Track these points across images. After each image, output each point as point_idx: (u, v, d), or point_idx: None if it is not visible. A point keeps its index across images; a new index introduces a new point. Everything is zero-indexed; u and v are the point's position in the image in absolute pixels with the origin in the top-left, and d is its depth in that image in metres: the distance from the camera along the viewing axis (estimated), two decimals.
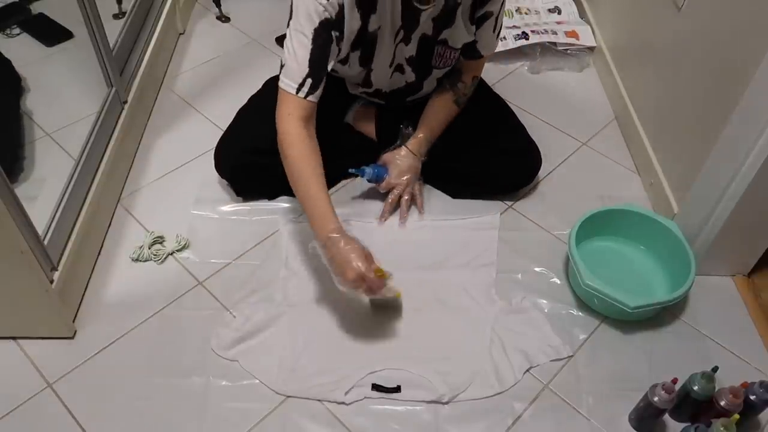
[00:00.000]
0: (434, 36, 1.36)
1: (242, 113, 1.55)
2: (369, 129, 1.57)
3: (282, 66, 1.25)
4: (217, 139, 1.50)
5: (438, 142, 1.51)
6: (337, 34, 1.25)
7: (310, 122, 1.28)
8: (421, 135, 1.47)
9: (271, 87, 1.43)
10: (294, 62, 1.23)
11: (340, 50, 1.29)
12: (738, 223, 1.28)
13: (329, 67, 1.27)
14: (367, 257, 1.17)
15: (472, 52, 1.44)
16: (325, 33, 1.22)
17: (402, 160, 1.46)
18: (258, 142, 1.44)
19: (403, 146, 1.47)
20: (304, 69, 1.23)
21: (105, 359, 1.23)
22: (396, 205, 1.49)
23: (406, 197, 1.48)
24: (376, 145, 1.55)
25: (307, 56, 1.22)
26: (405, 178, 1.47)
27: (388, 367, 1.21)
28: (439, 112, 1.49)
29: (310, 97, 1.25)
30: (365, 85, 1.47)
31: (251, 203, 1.51)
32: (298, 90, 1.23)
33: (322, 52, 1.23)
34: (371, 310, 1.31)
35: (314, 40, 1.21)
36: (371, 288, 1.16)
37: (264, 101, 1.55)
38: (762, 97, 1.15)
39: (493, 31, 1.40)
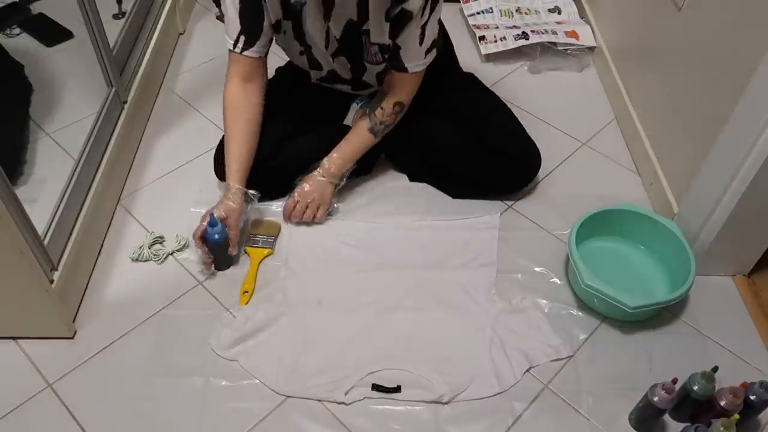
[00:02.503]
0: (359, 24, 1.32)
1: None
2: None
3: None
4: (218, 140, 1.50)
5: (435, 141, 1.51)
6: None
7: (253, 80, 1.39)
8: (333, 160, 1.44)
9: (268, 90, 1.43)
10: (228, 19, 1.32)
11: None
12: (738, 223, 1.28)
13: (266, 31, 1.35)
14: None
15: (395, 60, 1.36)
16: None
17: (312, 183, 1.44)
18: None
19: (315, 172, 1.44)
20: (237, 25, 1.32)
21: (105, 359, 1.23)
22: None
23: (308, 210, 1.45)
24: (376, 146, 1.55)
25: (237, 13, 1.31)
26: (310, 199, 1.44)
27: (387, 367, 1.21)
28: (354, 141, 1.45)
29: (246, 53, 1.35)
30: (315, 66, 1.47)
31: (250, 204, 1.51)
32: (235, 45, 1.34)
33: (251, 8, 1.30)
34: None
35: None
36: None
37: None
38: (762, 97, 1.15)
39: (420, 44, 1.33)
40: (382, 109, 1.42)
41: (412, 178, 1.59)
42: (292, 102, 1.51)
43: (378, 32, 1.32)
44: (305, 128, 1.51)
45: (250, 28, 1.33)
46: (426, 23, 1.30)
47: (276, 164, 1.46)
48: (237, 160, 1.37)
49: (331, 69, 1.47)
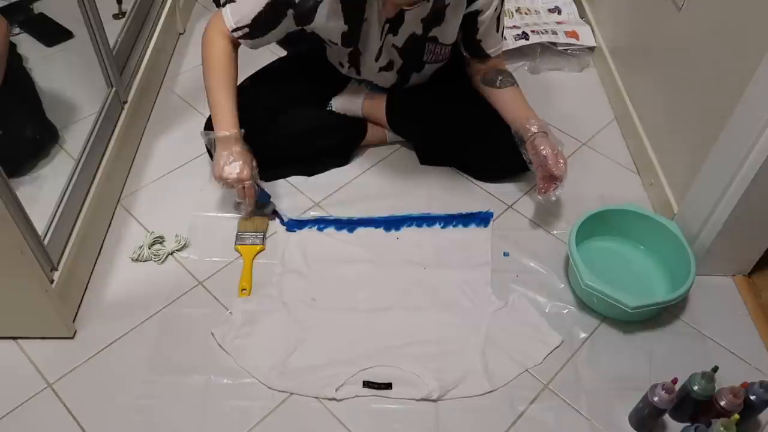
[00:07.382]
0: (424, 34, 1.40)
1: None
2: (380, 115, 1.59)
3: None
4: None
5: (434, 130, 1.55)
6: (300, 28, 1.36)
7: (236, 49, 1.40)
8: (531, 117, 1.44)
9: (270, 68, 1.49)
10: (245, 8, 1.33)
11: (330, 44, 1.41)
12: (738, 223, 1.28)
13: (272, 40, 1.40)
14: (251, 166, 1.36)
15: (477, 51, 1.47)
16: (276, 12, 1.32)
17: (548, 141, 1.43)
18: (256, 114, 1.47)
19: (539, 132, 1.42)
20: (247, 21, 1.34)
21: (105, 359, 1.23)
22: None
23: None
24: (352, 136, 1.60)
25: (254, 14, 1.33)
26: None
27: (380, 364, 1.21)
28: (519, 99, 1.49)
29: (240, 40, 1.38)
30: (355, 74, 1.53)
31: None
32: (234, 31, 1.36)
33: (269, 21, 1.34)
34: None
35: (267, 6, 1.32)
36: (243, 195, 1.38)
37: (261, 78, 1.58)
38: (762, 97, 1.15)
39: (497, 31, 1.46)
40: (505, 75, 1.50)
41: (423, 160, 1.63)
42: (291, 71, 1.52)
43: (449, 35, 1.42)
44: (299, 101, 1.53)
45: (256, 31, 1.36)
46: (500, 12, 1.43)
47: (273, 137, 1.49)
48: (233, 110, 1.36)
49: (369, 80, 1.53)
